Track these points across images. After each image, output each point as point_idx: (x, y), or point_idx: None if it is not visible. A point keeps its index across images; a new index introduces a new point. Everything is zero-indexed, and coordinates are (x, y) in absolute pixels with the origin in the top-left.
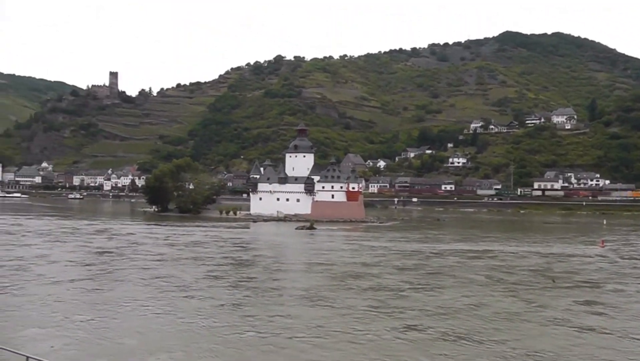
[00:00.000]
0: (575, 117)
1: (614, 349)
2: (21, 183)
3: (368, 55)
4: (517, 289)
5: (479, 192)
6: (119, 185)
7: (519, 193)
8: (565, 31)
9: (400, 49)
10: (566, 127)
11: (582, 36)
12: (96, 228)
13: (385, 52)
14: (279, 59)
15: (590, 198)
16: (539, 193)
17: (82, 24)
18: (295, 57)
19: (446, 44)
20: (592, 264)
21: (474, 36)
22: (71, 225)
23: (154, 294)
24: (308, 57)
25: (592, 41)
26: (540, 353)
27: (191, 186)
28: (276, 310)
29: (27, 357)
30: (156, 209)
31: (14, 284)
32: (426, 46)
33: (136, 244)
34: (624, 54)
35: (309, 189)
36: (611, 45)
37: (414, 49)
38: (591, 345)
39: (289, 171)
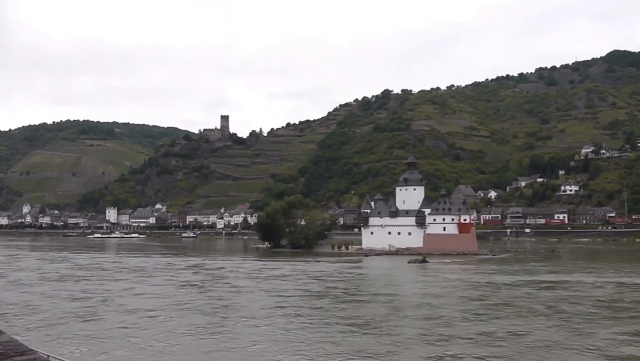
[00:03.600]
0: None
1: None
2: (134, 224)
3: (475, 84)
4: (571, 319)
5: None
6: (232, 223)
7: None
8: None
9: (508, 75)
10: None
11: None
12: (190, 263)
13: (492, 80)
14: (386, 93)
15: None
16: None
17: (191, 68)
18: (402, 90)
19: (554, 67)
20: None
21: (581, 57)
22: (169, 261)
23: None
24: (415, 90)
25: None
26: None
27: (303, 222)
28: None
29: (48, 356)
30: (268, 245)
31: (96, 313)
32: (533, 71)
33: (221, 278)
34: None
35: (420, 222)
36: None
37: (521, 75)
38: None
39: (400, 205)
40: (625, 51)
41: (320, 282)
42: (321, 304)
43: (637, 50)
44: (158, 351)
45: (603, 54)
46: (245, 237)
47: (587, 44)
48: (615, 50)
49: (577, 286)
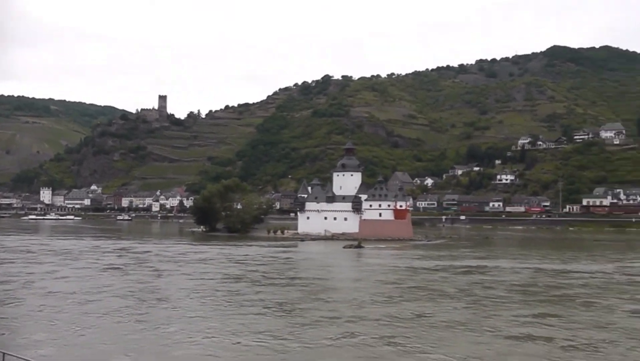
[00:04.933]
0: (624, 132)
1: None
2: (69, 206)
3: (416, 73)
4: (480, 301)
5: None
6: (168, 206)
7: None
8: (614, 45)
9: (448, 65)
10: (615, 143)
11: (632, 50)
12: (117, 246)
13: (432, 70)
14: (326, 78)
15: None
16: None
17: (130, 48)
18: (343, 76)
19: (494, 60)
20: (588, 280)
21: (521, 51)
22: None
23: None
24: (356, 77)
25: None
26: (449, 356)
27: (239, 206)
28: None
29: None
30: (204, 229)
31: (16, 296)
32: (474, 62)
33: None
34: None
35: (357, 208)
36: None
37: (461, 66)
38: (504, 351)
39: (337, 190)
40: (565, 47)
41: (242, 266)
42: (239, 287)
43: (576, 47)
44: (74, 333)
45: (543, 49)
46: (181, 220)
47: (528, 39)
48: (555, 46)
49: (495, 271)
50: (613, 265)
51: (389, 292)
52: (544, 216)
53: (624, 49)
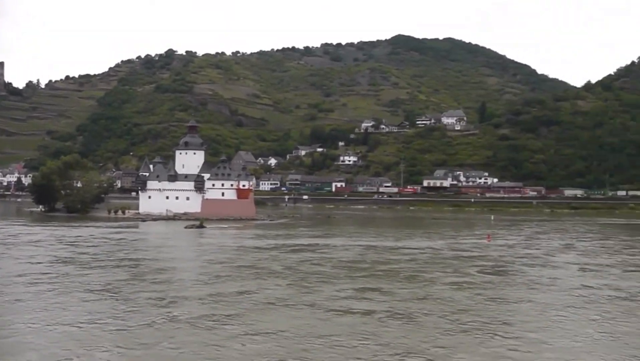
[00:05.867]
0: (465, 119)
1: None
2: None
3: (261, 53)
4: (306, 278)
5: (566, 192)
6: (4, 184)
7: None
8: (457, 37)
9: (294, 47)
10: (456, 128)
11: (474, 42)
12: None
13: (278, 50)
14: (170, 53)
15: (478, 195)
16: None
17: None
18: (187, 51)
19: (339, 44)
20: (417, 256)
21: (366, 38)
22: None
23: None
24: (200, 53)
25: (484, 47)
26: (266, 332)
27: (79, 185)
28: None
29: None
30: (43, 209)
31: None
32: (319, 45)
33: None
34: (514, 61)
35: (199, 187)
36: (502, 52)
37: (307, 48)
38: (321, 325)
39: (179, 169)
40: (409, 36)
41: (73, 248)
42: (66, 270)
43: (420, 37)
44: None
45: (388, 37)
46: (19, 199)
47: (373, 26)
48: (399, 35)
49: (326, 249)
50: (444, 242)
51: (217, 272)
52: (384, 196)
53: (467, 41)
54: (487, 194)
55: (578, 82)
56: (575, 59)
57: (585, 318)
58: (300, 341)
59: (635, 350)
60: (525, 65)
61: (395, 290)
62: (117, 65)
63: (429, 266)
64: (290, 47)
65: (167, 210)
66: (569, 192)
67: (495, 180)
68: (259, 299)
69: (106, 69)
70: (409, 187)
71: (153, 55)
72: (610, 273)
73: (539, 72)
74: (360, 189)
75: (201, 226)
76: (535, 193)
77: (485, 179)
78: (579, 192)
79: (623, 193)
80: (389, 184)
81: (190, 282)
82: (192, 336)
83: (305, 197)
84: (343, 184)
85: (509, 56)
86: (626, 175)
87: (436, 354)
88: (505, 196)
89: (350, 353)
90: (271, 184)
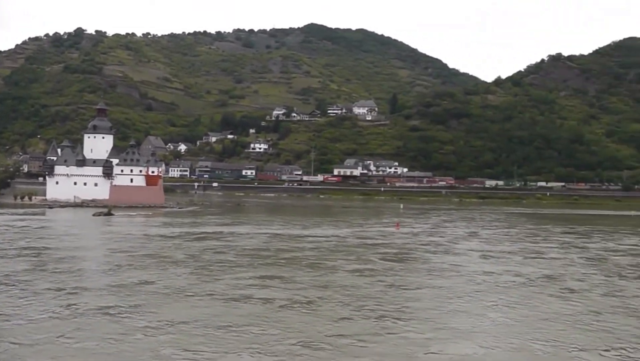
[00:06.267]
0: (376, 109)
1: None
2: None
3: (172, 36)
4: (207, 267)
5: (487, 183)
6: None
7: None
8: (370, 29)
9: (205, 31)
10: (367, 119)
11: (386, 34)
12: None
13: (189, 34)
14: (79, 32)
15: (388, 183)
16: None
17: None
18: (96, 31)
19: (251, 31)
20: (321, 243)
21: (279, 25)
22: None
23: None
24: (110, 33)
25: (396, 40)
26: (163, 321)
27: None
28: None
29: None
30: None
31: None
32: (231, 31)
33: None
34: (425, 54)
35: (108, 173)
36: (413, 45)
37: (218, 33)
38: (220, 313)
39: (88, 153)
40: (321, 25)
41: None
42: None
43: (333, 27)
44: None
45: (301, 25)
46: None
47: (285, 14)
48: (312, 24)
49: (231, 237)
50: (351, 230)
51: (119, 261)
52: (295, 184)
53: (379, 33)
54: (397, 184)
55: (488, 77)
56: (486, 56)
57: (485, 302)
58: (199, 331)
59: (533, 332)
60: (437, 59)
61: (296, 278)
62: (25, 42)
63: (333, 254)
64: (201, 31)
65: (75, 197)
66: (489, 182)
67: (405, 170)
68: (160, 289)
69: (12, 46)
70: (330, 176)
71: (62, 33)
72: (512, 259)
73: (450, 66)
74: (284, 177)
75: (109, 214)
76: (444, 183)
77: (395, 168)
78: (499, 182)
79: (543, 183)
80: (299, 172)
81: (92, 272)
82: (91, 327)
83: (215, 184)
84: (253, 171)
85: (421, 50)
86: (533, 167)
87: (335, 342)
88: (415, 185)
89: (248, 341)
90: (181, 170)
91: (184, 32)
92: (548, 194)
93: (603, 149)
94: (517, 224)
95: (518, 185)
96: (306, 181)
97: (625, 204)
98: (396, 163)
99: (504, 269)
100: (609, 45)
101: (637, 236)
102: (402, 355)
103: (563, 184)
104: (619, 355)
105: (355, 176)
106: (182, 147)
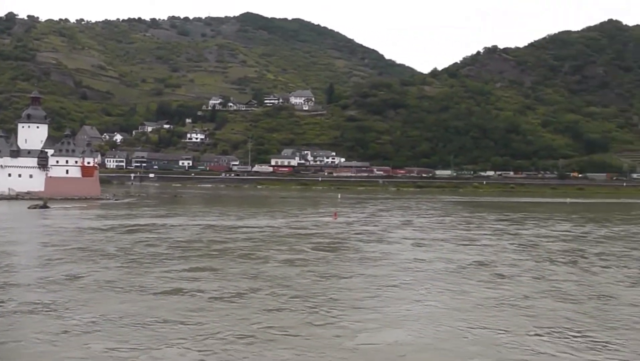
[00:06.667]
0: (314, 99)
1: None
2: None
3: (106, 22)
4: (138, 260)
5: (438, 173)
6: None
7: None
8: (307, 18)
9: (140, 18)
10: (304, 109)
11: (323, 25)
12: None
13: (124, 20)
14: (11, 16)
15: (326, 173)
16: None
17: None
18: (29, 16)
19: (187, 18)
20: (255, 234)
21: (214, 13)
22: None
23: None
24: (43, 18)
25: (332, 30)
26: (92, 316)
27: None
28: None
29: None
30: None
31: None
32: (166, 18)
33: None
34: (362, 45)
35: (43, 164)
36: (350, 36)
37: (153, 20)
38: (151, 306)
39: (22, 144)
40: (257, 14)
41: None
42: None
43: (269, 16)
44: None
45: (236, 14)
46: None
47: (221, 2)
48: (247, 12)
49: (164, 229)
50: (286, 220)
51: (50, 255)
52: (232, 175)
53: (316, 23)
54: (335, 173)
55: (425, 69)
56: (422, 48)
57: (415, 290)
58: (128, 326)
59: (462, 317)
60: (373, 50)
61: (228, 270)
62: None
63: (265, 245)
64: (136, 18)
65: (9, 189)
66: (440, 172)
67: (343, 160)
68: (90, 283)
69: None
70: (280, 166)
71: None
72: (444, 247)
73: (387, 57)
74: (235, 167)
75: (45, 207)
76: (381, 173)
77: (332, 158)
78: (449, 172)
79: (491, 173)
80: (236, 163)
81: (21, 267)
82: (18, 325)
83: (151, 175)
84: (190, 162)
85: (357, 40)
86: (470, 156)
87: (263, 333)
88: (353, 175)
89: (176, 335)
90: (117, 161)
91: (118, 19)
92: (485, 183)
93: (539, 138)
94: (453, 212)
95: (468, 175)
96: (257, 171)
97: (561, 192)
98: (333, 153)
99: (435, 256)
100: (544, 39)
101: (570, 222)
102: (330, 346)
103: (500, 172)
104: (546, 337)
105: (292, 166)
106: (118, 137)
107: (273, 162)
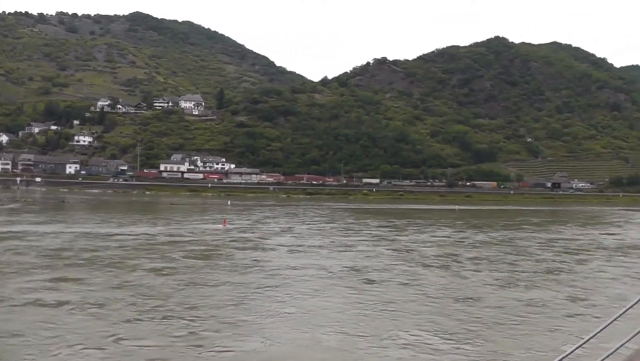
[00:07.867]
0: (204, 104)
1: None
2: None
3: None
4: None
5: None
6: None
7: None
8: (197, 21)
9: (27, 12)
10: (194, 113)
11: (213, 29)
12: None
13: (10, 14)
14: None
15: (216, 180)
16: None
17: None
18: None
19: (75, 15)
20: (129, 242)
21: (104, 11)
22: None
23: None
24: None
25: (222, 35)
26: None
27: None
28: None
29: None
30: None
31: None
32: (54, 14)
33: None
34: (252, 51)
35: None
36: (240, 41)
37: (41, 15)
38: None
39: None
40: (147, 15)
41: None
42: None
43: (159, 17)
44: None
45: (126, 13)
46: None
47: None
48: (137, 12)
49: (35, 236)
50: (166, 227)
51: None
52: (120, 180)
53: (206, 27)
54: (225, 180)
55: (315, 78)
56: (312, 56)
57: (280, 296)
58: None
59: (324, 323)
60: (264, 56)
61: (92, 279)
62: None
63: (136, 253)
64: (23, 11)
65: None
66: (367, 180)
67: (233, 166)
68: None
69: None
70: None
71: None
72: (318, 253)
73: (278, 64)
74: (165, 174)
75: None
76: (272, 179)
77: (222, 164)
78: (376, 180)
79: (407, 181)
80: (125, 167)
81: None
82: None
83: (38, 179)
84: (78, 166)
85: (248, 46)
86: (360, 164)
87: (114, 345)
88: (243, 181)
89: (24, 349)
90: (2, 164)
91: (4, 12)
92: (374, 190)
93: (427, 148)
94: (339, 219)
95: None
96: (202, 178)
97: (449, 199)
98: (224, 159)
99: (307, 262)
100: (432, 52)
101: (452, 228)
102: (182, 355)
103: (389, 180)
104: (405, 340)
105: (182, 172)
106: (4, 138)
107: (162, 167)
